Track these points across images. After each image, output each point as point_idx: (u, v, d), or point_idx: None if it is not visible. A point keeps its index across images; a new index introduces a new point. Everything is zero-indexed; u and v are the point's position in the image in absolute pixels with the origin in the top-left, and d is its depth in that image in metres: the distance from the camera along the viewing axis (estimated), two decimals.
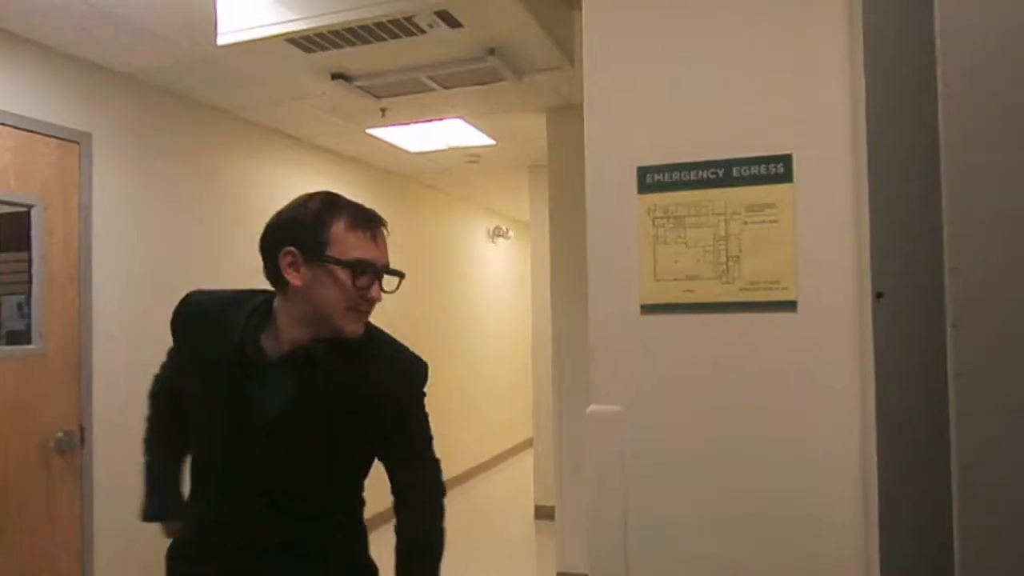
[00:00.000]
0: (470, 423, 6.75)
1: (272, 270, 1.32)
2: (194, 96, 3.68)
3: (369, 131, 4.30)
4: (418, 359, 1.46)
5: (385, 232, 1.37)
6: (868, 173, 1.10)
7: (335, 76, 3.14)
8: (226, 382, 1.33)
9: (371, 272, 1.31)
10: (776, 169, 1.37)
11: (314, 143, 4.67)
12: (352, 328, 1.33)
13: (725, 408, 1.39)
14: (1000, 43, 0.76)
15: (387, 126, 4.17)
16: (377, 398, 1.38)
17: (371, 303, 1.34)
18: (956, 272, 0.74)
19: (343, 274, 1.28)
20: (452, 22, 2.57)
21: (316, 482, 1.39)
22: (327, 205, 1.32)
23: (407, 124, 4.15)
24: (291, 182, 4.49)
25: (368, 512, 1.51)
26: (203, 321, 1.39)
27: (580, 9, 1.53)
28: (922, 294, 0.92)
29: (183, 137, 3.67)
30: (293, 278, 1.29)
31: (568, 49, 2.95)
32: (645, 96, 1.47)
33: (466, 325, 6.82)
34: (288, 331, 1.33)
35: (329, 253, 1.28)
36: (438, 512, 1.47)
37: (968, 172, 0.76)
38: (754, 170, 1.38)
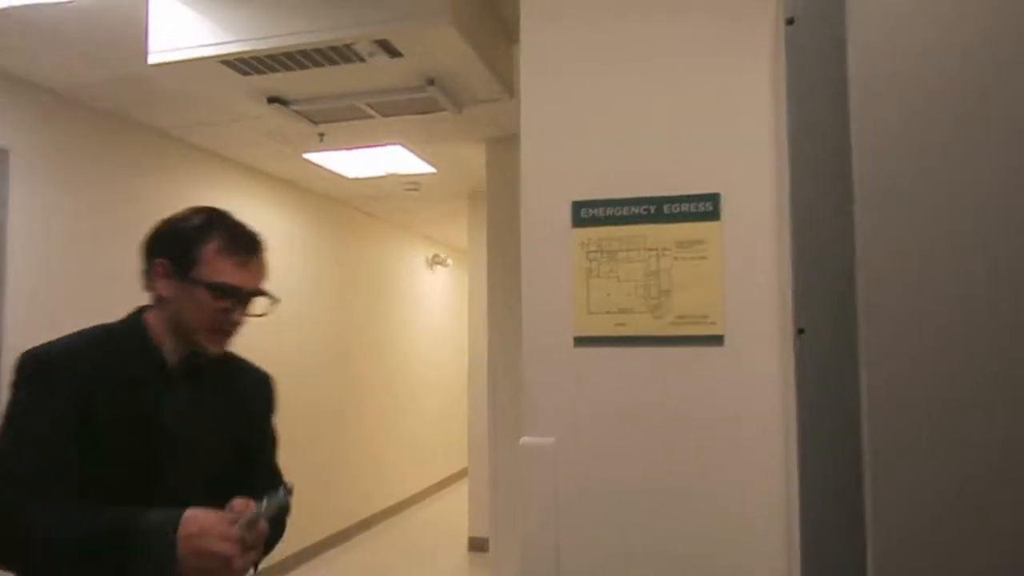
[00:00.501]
0: (404, 452, 6.64)
1: (146, 276, 1.33)
2: (124, 115, 3.57)
3: (306, 156, 4.24)
4: (270, 375, 1.51)
5: (262, 255, 1.38)
6: (790, 213, 1.15)
7: (272, 100, 3.10)
8: (149, 400, 1.30)
9: (234, 297, 1.32)
10: (705, 207, 1.41)
11: (250, 166, 4.58)
12: (214, 348, 1.34)
13: (655, 440, 1.41)
14: (912, 92, 0.81)
15: (325, 151, 4.13)
16: (251, 412, 1.45)
17: (234, 325, 1.35)
18: (868, 314, 0.78)
19: (204, 296, 1.29)
20: (392, 51, 2.58)
21: (213, 491, 1.31)
22: (206, 223, 1.35)
23: (346, 150, 4.12)
24: (227, 205, 4.37)
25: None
26: (93, 359, 1.27)
27: (519, 43, 1.56)
28: (840, 331, 0.96)
29: (111, 156, 3.55)
30: (161, 288, 1.31)
31: (508, 81, 2.99)
32: (581, 132, 1.50)
33: (402, 353, 6.74)
34: (165, 340, 1.33)
35: (195, 272, 1.29)
36: (280, 535, 1.41)
37: (879, 218, 0.80)
38: (684, 208, 1.42)
